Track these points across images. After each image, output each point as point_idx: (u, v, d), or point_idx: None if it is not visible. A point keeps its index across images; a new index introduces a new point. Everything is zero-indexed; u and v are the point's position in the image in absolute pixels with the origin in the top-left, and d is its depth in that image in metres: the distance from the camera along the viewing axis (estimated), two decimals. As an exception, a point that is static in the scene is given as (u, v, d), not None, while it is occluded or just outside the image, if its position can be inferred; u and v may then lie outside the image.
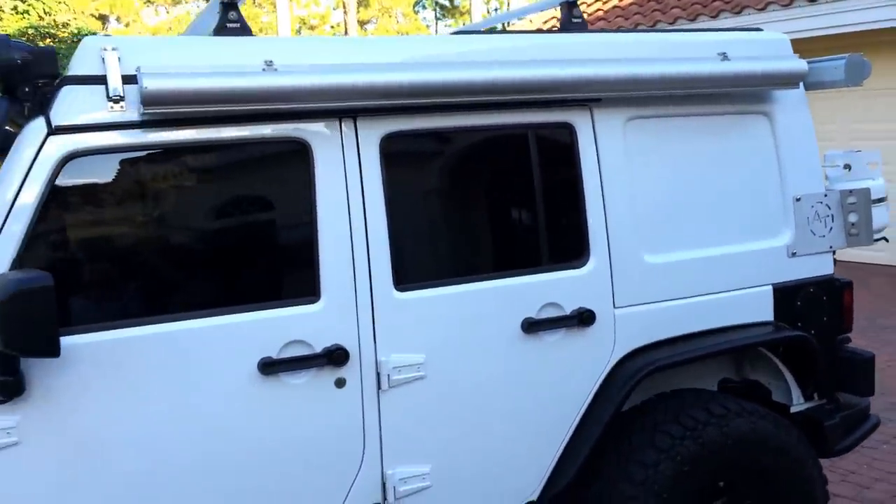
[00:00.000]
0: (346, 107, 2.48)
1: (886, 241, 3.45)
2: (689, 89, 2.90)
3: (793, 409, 3.30)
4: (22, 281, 1.99)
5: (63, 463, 2.25)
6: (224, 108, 2.32)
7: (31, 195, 2.21)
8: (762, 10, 10.05)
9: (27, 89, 2.29)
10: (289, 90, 2.35)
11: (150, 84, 2.20)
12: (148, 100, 2.21)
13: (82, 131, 2.26)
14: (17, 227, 2.20)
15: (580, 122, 2.84)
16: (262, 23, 43.62)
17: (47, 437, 2.23)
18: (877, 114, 9.64)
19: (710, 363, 3.34)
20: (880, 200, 3.35)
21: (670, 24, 11.09)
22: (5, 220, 2.19)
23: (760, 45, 3.16)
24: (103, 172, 2.35)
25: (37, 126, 2.24)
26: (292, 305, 2.48)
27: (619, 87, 2.78)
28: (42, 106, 2.31)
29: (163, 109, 2.25)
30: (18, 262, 2.19)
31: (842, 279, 3.33)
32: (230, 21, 2.50)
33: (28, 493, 2.23)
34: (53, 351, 2.04)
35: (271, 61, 2.40)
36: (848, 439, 3.30)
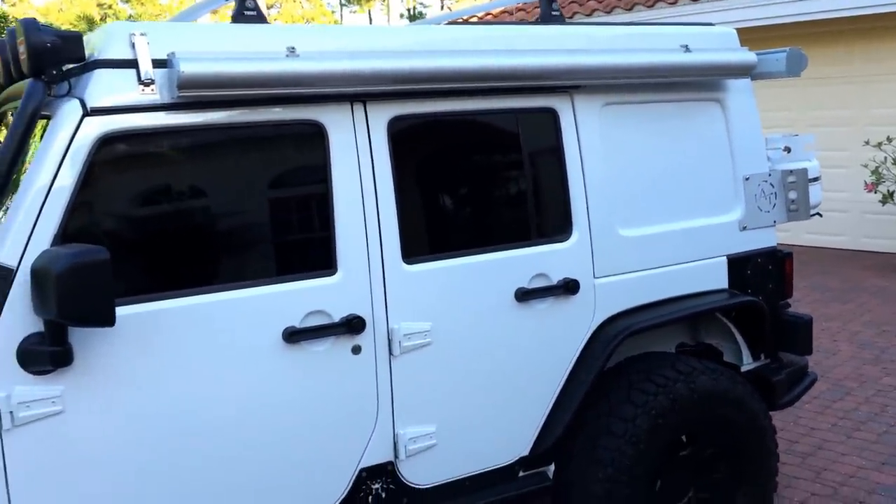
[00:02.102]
0: (358, 91, 2.65)
1: (820, 216, 3.85)
2: (658, 78, 3.19)
3: (743, 368, 3.66)
4: (80, 254, 2.09)
5: (104, 430, 2.36)
6: (250, 92, 2.46)
7: (69, 175, 2.30)
8: (651, 6, 10.67)
9: (55, 72, 2.36)
10: (311, 75, 2.50)
11: (187, 68, 2.32)
12: (183, 83, 2.33)
13: (115, 113, 2.36)
14: (57, 207, 2.29)
15: (562, 107, 3.09)
16: (161, 6, 42.37)
17: (88, 406, 2.33)
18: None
19: (671, 328, 3.67)
20: (815, 179, 3.74)
21: (587, 15, 11.54)
22: (45, 200, 2.28)
23: (714, 38, 3.49)
24: (134, 153, 2.45)
25: (72, 108, 2.33)
26: (312, 278, 2.64)
27: (598, 75, 3.04)
28: (73, 89, 2.40)
29: (195, 92, 2.37)
30: (59, 240, 2.28)
31: (783, 250, 3.71)
32: (247, 9, 2.63)
33: (71, 461, 2.33)
34: (110, 320, 2.15)
35: (293, 47, 2.54)
36: (791, 393, 3.69)
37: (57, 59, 2.34)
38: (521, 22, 10.02)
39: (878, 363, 6.17)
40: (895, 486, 4.26)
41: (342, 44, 2.67)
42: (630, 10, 11.00)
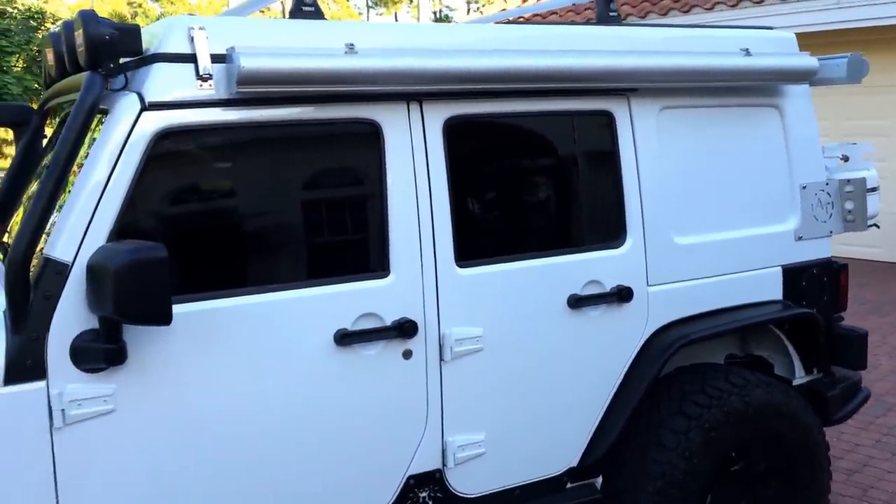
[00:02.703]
0: (415, 90, 2.59)
1: (877, 227, 3.74)
2: (718, 81, 3.11)
3: (795, 382, 3.56)
4: (138, 251, 2.05)
5: (154, 431, 2.32)
6: (309, 89, 2.41)
7: (126, 170, 2.26)
8: (710, 9, 10.43)
9: (111, 65, 2.32)
10: (371, 72, 2.45)
11: (247, 63, 2.27)
12: (243, 79, 2.28)
13: (173, 108, 2.32)
14: (113, 202, 2.25)
15: (619, 110, 3.02)
16: (191, 5, 42.71)
17: (140, 406, 2.29)
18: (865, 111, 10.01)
19: (721, 338, 3.57)
20: (873, 190, 3.64)
21: (640, 17, 11.32)
22: (101, 195, 2.24)
23: (773, 42, 3.40)
24: (191, 148, 2.41)
25: (130, 102, 2.29)
26: (365, 280, 2.58)
27: (657, 77, 2.97)
28: (129, 83, 2.36)
29: (255, 88, 2.32)
30: (115, 236, 2.24)
31: (839, 262, 3.61)
32: (305, 4, 2.57)
33: (121, 461, 2.29)
34: (166, 318, 2.10)
35: (352, 44, 2.49)
36: (845, 409, 3.58)
37: (114, 52, 2.30)
38: (577, 22, 9.92)
39: (920, 379, 6.04)
40: (946, 507, 4.14)
41: (401, 41, 2.61)
42: (687, 12, 10.72)
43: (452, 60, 2.56)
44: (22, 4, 12.67)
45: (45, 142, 3.61)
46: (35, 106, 3.66)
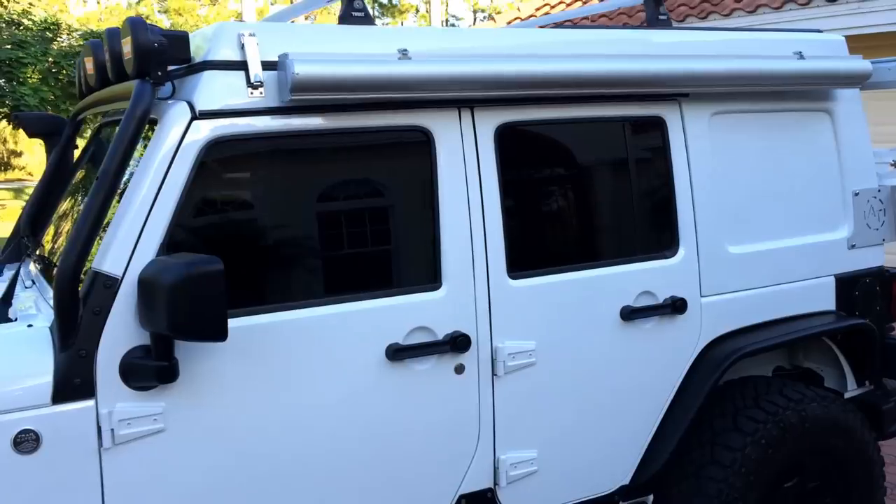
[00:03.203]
0: (467, 97, 2.52)
1: (928, 234, 3.64)
2: (771, 86, 3.02)
3: (847, 395, 3.46)
4: (194, 264, 1.97)
5: (204, 449, 2.23)
6: (361, 96, 2.33)
7: (177, 181, 2.19)
8: (778, 8, 9.91)
9: (160, 73, 2.25)
10: (425, 79, 2.37)
11: (302, 70, 2.19)
12: (297, 86, 2.20)
13: (224, 116, 2.25)
14: (164, 214, 2.17)
15: (670, 116, 2.93)
16: (199, 16, 42.84)
17: (189, 424, 2.21)
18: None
19: (770, 351, 3.47)
20: (924, 195, 3.54)
21: (679, 21, 11.04)
22: (152, 206, 2.16)
23: (824, 45, 3.31)
24: (240, 158, 2.34)
25: (180, 111, 2.21)
26: (416, 292, 2.50)
27: (710, 81, 2.88)
28: (177, 91, 2.29)
29: (308, 95, 2.24)
30: (165, 249, 2.17)
31: (891, 270, 3.51)
32: (355, 10, 2.50)
33: (171, 480, 2.20)
34: (223, 334, 2.02)
35: (406, 50, 2.41)
36: (899, 422, 3.48)
37: (163, 60, 2.23)
38: (629, 25, 9.71)
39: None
40: None
41: (452, 46, 2.54)
42: (728, 15, 10.34)
43: (506, 66, 2.48)
44: (36, 16, 12.66)
45: (77, 153, 3.55)
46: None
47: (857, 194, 3.37)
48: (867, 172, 3.42)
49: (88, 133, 3.48)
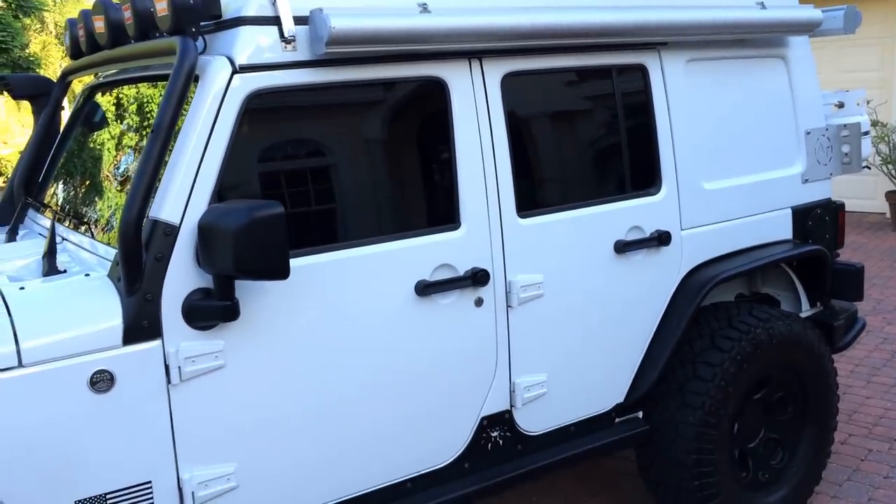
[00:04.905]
0: (478, 48, 2.69)
1: (869, 168, 4.02)
2: (739, 33, 3.30)
3: (801, 316, 3.83)
4: (258, 208, 2.11)
5: (258, 381, 2.39)
6: (388, 48, 2.48)
7: (224, 131, 2.31)
8: None
9: (193, 29, 2.35)
10: (446, 31, 2.53)
11: (338, 24, 2.33)
12: (333, 39, 2.33)
13: (260, 70, 2.36)
14: (213, 164, 2.29)
15: (651, 63, 3.18)
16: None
17: (245, 359, 2.36)
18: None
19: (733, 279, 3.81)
20: (866, 133, 3.91)
21: None
22: (202, 157, 2.28)
23: None
24: (277, 110, 2.46)
25: (221, 65, 2.32)
26: (440, 232, 2.69)
27: (686, 31, 3.13)
28: (209, 46, 2.39)
29: (342, 49, 2.38)
30: (216, 196, 2.29)
31: (837, 202, 3.88)
32: None
33: (231, 412, 2.36)
34: (285, 272, 2.17)
35: (425, 4, 2.56)
36: (847, 337, 3.88)
37: (198, 17, 2.33)
38: None
39: (877, 314, 6.47)
40: (925, 424, 4.52)
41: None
42: None
43: (519, 17, 2.66)
44: None
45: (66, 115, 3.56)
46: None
47: (808, 133, 3.71)
48: (816, 113, 3.75)
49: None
